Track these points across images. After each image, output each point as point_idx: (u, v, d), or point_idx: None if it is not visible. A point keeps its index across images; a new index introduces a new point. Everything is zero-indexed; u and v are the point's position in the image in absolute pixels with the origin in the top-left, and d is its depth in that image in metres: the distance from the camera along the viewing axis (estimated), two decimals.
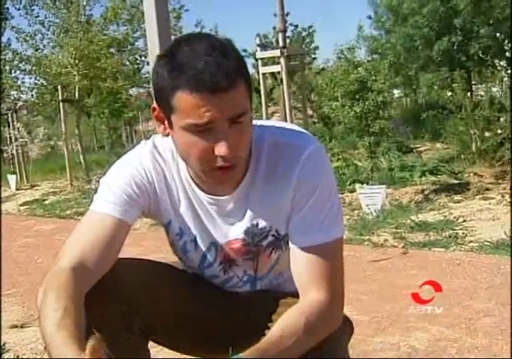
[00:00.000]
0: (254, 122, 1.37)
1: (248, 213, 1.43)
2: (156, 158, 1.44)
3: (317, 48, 18.27)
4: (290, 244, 1.41)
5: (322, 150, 1.41)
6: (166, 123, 1.32)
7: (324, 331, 1.34)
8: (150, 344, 1.52)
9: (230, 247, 1.48)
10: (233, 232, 1.46)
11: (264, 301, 1.52)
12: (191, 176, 1.43)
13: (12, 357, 2.37)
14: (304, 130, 1.46)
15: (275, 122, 1.53)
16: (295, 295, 1.42)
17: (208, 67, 1.20)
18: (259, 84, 8.36)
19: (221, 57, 1.23)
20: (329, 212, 1.38)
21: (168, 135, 1.35)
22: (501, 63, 15.45)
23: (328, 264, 1.37)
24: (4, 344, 2.27)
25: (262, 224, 1.43)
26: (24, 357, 2.56)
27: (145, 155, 1.45)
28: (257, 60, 8.86)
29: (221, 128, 1.24)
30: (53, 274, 1.29)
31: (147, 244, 5.12)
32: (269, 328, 1.45)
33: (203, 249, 1.50)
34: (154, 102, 1.34)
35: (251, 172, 1.40)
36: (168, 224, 1.50)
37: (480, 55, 14.21)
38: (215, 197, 1.43)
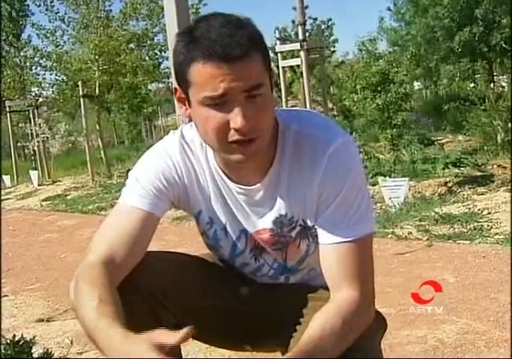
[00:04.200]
0: (280, 109, 1.34)
1: (277, 203, 1.41)
2: (184, 148, 1.43)
3: (336, 41, 18.21)
4: (320, 241, 1.38)
5: (349, 144, 1.37)
6: (187, 102, 1.31)
7: (360, 329, 1.32)
8: None
9: (259, 237, 1.47)
10: (261, 222, 1.44)
11: (294, 295, 1.51)
12: (219, 166, 1.41)
13: (40, 351, 2.38)
14: (332, 121, 1.43)
15: (302, 110, 1.50)
16: (326, 288, 1.40)
17: (221, 38, 1.20)
18: (278, 77, 8.33)
19: (235, 28, 1.22)
20: (358, 208, 1.35)
21: (189, 116, 1.33)
22: None
23: (358, 260, 1.34)
24: (34, 337, 2.27)
25: (290, 214, 1.41)
26: (51, 350, 2.58)
27: (174, 147, 1.43)
28: (276, 54, 8.83)
29: (236, 99, 1.22)
30: (84, 268, 1.28)
31: (169, 239, 5.11)
32: (299, 323, 1.44)
33: (234, 236, 1.49)
34: (175, 82, 1.33)
35: (278, 160, 1.37)
36: (199, 214, 1.49)
37: (503, 46, 14.04)
38: (244, 187, 1.41)
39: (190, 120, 1.38)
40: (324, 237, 1.37)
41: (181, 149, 1.43)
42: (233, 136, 1.24)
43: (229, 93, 1.21)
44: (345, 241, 1.34)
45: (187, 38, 1.24)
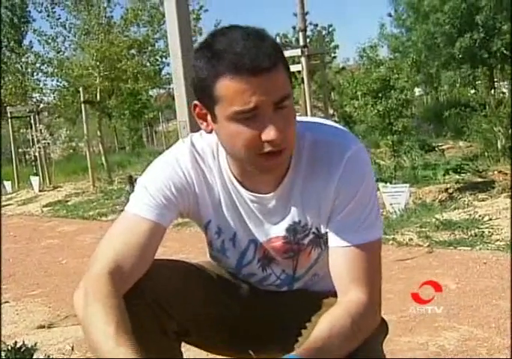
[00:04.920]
0: None
1: (291, 211, 1.41)
2: (195, 157, 1.42)
3: (336, 47, 18.27)
4: (330, 244, 1.39)
5: (364, 151, 1.39)
6: (209, 117, 1.30)
7: (367, 331, 1.32)
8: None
9: (271, 246, 1.46)
10: (274, 230, 1.44)
11: (300, 301, 1.51)
12: (233, 174, 1.41)
13: (41, 357, 2.38)
14: (345, 129, 1.44)
15: (314, 118, 1.51)
16: (331, 293, 1.40)
17: (247, 50, 1.19)
18: None
19: (258, 40, 1.22)
20: (370, 214, 1.36)
21: (211, 132, 1.32)
22: None
23: (367, 264, 1.35)
24: (36, 344, 2.27)
25: (304, 221, 1.41)
26: (52, 357, 2.58)
27: (184, 155, 1.42)
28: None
29: (266, 113, 1.21)
30: (92, 280, 1.27)
31: (170, 245, 5.10)
32: (305, 328, 1.44)
33: (243, 247, 1.48)
34: (195, 98, 1.31)
35: (293, 169, 1.38)
36: (208, 224, 1.48)
37: (503, 52, 14.07)
38: (257, 195, 1.41)
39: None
40: (335, 240, 1.37)
41: (192, 159, 1.42)
42: (265, 148, 1.24)
43: (260, 106, 1.20)
44: (356, 245, 1.35)
45: (208, 53, 1.23)
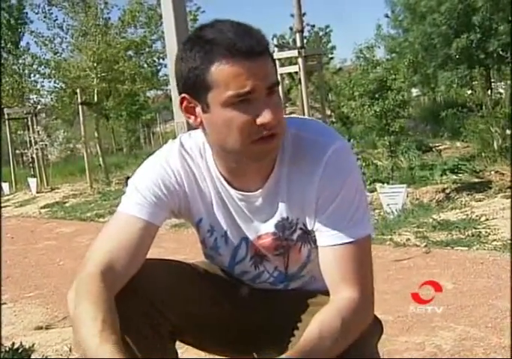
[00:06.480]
0: None
1: (278, 207, 1.41)
2: (184, 157, 1.43)
3: (334, 47, 18.24)
4: (318, 243, 1.39)
5: (347, 148, 1.39)
6: (198, 110, 1.30)
7: (359, 329, 1.32)
8: (177, 344, 1.51)
9: (261, 243, 1.47)
10: (263, 227, 1.45)
11: (293, 300, 1.51)
12: (221, 173, 1.42)
13: (39, 358, 2.38)
14: (329, 126, 1.45)
15: (300, 116, 1.52)
16: (324, 292, 1.40)
17: (239, 36, 1.22)
18: None
19: (246, 28, 1.26)
20: (356, 211, 1.36)
21: (199, 125, 1.33)
22: None
23: (357, 262, 1.35)
24: (33, 345, 2.27)
25: (291, 217, 1.42)
26: (49, 358, 2.57)
27: (173, 155, 1.43)
28: (274, 60, 8.84)
29: (260, 97, 1.24)
30: (83, 280, 1.28)
31: (167, 246, 5.11)
32: (297, 328, 1.44)
33: (235, 244, 1.49)
34: (181, 92, 1.31)
35: (278, 165, 1.39)
36: (199, 223, 1.49)
37: (500, 52, 14.09)
38: (245, 193, 1.42)
39: (191, 129, 1.38)
40: (323, 239, 1.38)
41: (181, 158, 1.43)
42: (260, 133, 1.25)
43: (255, 90, 1.22)
44: (344, 243, 1.35)
45: (200, 42, 1.25)
